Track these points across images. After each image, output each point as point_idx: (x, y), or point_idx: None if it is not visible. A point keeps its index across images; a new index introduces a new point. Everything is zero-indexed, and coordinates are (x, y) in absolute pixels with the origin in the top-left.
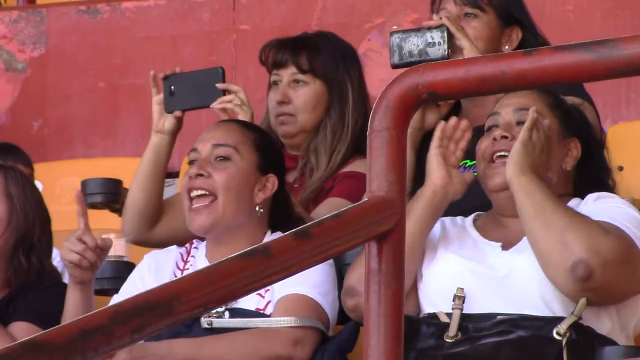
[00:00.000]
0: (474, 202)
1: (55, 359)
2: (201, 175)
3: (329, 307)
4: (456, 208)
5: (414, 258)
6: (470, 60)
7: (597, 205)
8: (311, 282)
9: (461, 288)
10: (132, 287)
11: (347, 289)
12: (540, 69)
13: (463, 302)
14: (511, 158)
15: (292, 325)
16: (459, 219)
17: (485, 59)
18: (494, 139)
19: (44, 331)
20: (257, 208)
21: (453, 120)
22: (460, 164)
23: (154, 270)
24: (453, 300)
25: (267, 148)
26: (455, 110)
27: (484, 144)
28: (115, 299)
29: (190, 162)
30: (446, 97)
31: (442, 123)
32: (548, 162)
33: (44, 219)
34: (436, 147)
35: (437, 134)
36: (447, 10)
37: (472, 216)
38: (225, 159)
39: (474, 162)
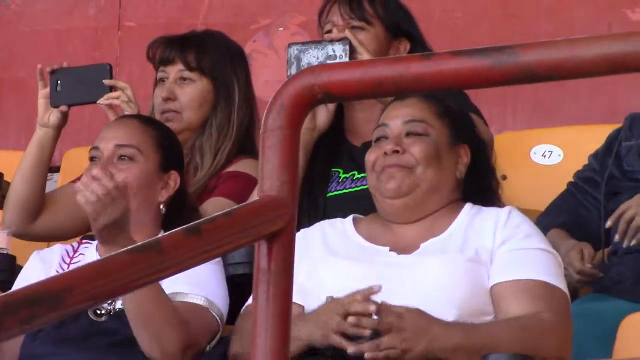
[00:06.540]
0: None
1: None
2: None
3: (217, 310)
4: None
5: None
6: (368, 63)
7: (514, 242)
8: (201, 285)
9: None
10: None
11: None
12: (438, 73)
13: None
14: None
15: None
16: (338, 221)
17: (383, 61)
18: (385, 153)
19: None
20: (160, 207)
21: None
22: (348, 175)
23: (41, 269)
24: None
25: (169, 146)
26: (340, 120)
27: (373, 156)
28: None
29: (92, 159)
30: (342, 99)
31: None
32: (441, 173)
33: None
34: None
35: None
36: (334, 23)
37: (350, 220)
38: (128, 159)
39: (362, 174)
